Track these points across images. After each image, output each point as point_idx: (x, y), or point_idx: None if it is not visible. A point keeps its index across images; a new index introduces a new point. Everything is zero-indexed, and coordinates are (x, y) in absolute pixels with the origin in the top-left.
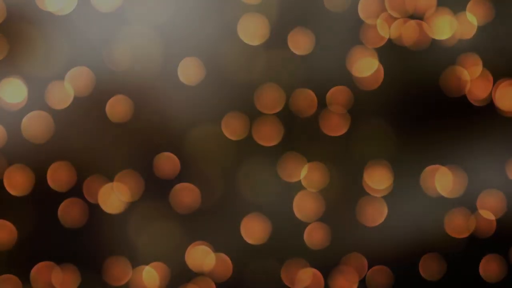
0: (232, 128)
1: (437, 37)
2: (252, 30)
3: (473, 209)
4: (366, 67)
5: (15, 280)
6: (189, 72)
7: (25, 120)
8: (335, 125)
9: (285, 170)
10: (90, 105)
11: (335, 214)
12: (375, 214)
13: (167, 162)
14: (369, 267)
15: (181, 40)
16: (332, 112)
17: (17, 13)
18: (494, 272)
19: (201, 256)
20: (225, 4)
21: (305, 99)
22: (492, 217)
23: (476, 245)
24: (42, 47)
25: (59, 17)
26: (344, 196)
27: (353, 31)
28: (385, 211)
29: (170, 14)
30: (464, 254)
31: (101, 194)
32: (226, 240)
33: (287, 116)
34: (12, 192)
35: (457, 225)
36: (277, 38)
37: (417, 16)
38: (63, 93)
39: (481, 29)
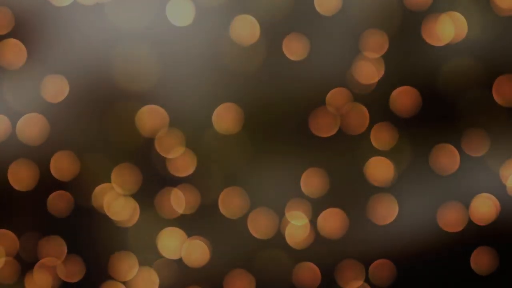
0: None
1: (436, 37)
2: (246, 36)
3: (467, 205)
4: (364, 68)
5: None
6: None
7: (23, 118)
8: (333, 126)
9: (287, 169)
10: (90, 100)
11: (339, 211)
12: (381, 212)
13: (176, 160)
14: (373, 261)
15: (176, 42)
16: (331, 112)
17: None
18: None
19: (204, 253)
20: (218, 10)
21: (304, 102)
22: (486, 213)
23: (468, 240)
24: (41, 41)
25: (57, 9)
26: (346, 194)
27: (349, 34)
28: (392, 208)
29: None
30: (458, 248)
31: (106, 201)
32: (229, 237)
33: (287, 118)
34: (16, 187)
35: (452, 221)
36: (271, 44)
37: (415, 16)
38: (61, 88)
39: (480, 28)
